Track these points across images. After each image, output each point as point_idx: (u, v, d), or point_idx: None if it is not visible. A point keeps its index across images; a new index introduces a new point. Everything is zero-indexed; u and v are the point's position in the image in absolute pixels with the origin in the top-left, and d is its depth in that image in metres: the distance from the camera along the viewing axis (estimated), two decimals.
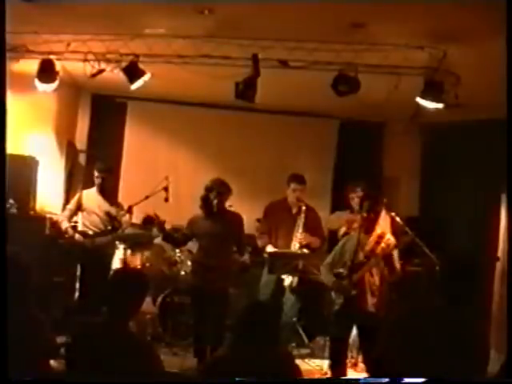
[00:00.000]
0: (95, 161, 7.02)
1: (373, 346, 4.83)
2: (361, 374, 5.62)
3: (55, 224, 6.78)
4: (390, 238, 5.12)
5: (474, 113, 6.79)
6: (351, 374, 5.70)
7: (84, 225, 6.54)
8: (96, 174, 6.58)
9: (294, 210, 6.54)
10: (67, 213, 6.62)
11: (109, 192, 6.73)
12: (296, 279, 6.29)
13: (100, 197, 6.59)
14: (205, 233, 5.80)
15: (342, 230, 6.63)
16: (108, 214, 6.51)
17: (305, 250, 6.40)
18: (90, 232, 6.47)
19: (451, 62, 5.28)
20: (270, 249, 6.46)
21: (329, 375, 5.51)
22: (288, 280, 6.29)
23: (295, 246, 6.38)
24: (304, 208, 6.43)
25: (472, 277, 3.19)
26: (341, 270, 5.13)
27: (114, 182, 8.35)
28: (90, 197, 6.60)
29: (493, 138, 6.11)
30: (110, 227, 6.51)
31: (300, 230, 6.39)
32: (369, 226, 5.13)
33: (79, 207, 6.59)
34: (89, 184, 6.85)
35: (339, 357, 5.23)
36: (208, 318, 5.68)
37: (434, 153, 8.25)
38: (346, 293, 5.07)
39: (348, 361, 5.68)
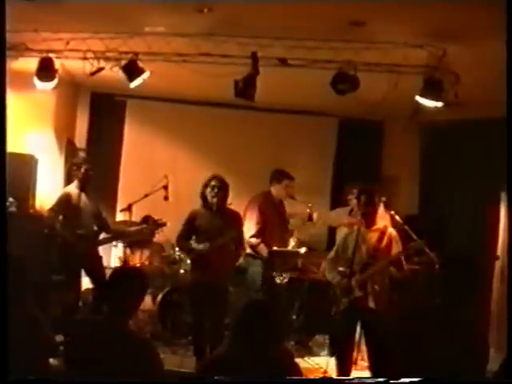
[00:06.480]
0: (74, 156, 6.63)
1: (378, 345, 4.85)
2: (360, 373, 5.63)
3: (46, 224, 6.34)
4: (392, 233, 5.12)
5: (473, 111, 6.79)
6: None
7: (70, 225, 6.09)
8: (76, 169, 6.23)
9: (282, 207, 6.58)
10: (52, 214, 6.15)
11: (91, 188, 6.32)
12: (295, 277, 6.30)
13: (82, 194, 6.18)
14: (205, 229, 5.79)
15: (343, 230, 6.63)
16: (92, 212, 6.24)
17: (304, 248, 6.41)
18: (78, 231, 6.07)
19: (451, 60, 5.28)
20: (263, 248, 6.42)
21: (328, 374, 5.50)
22: (287, 278, 6.30)
23: (291, 244, 6.40)
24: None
25: (471, 276, 3.19)
26: (344, 269, 5.09)
27: (113, 180, 8.40)
28: (72, 195, 6.18)
29: (493, 137, 6.10)
30: (96, 227, 6.29)
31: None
32: (369, 219, 5.13)
33: (64, 206, 6.13)
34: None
35: (344, 356, 5.18)
36: (207, 316, 5.68)
37: (434, 151, 8.23)
38: (350, 293, 5.04)
39: None
